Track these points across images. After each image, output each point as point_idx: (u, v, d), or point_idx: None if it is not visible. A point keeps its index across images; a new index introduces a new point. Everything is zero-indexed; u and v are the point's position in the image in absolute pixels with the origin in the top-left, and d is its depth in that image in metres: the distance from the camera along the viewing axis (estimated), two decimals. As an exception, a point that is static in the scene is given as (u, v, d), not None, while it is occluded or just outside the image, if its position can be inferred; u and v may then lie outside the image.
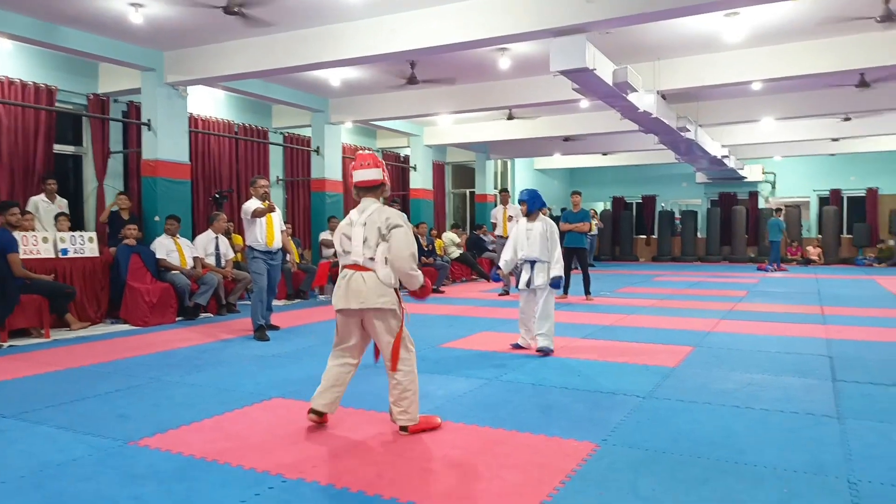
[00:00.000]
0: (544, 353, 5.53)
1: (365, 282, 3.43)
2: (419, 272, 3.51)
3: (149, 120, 8.47)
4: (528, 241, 5.73)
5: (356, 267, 3.48)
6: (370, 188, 3.58)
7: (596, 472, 2.93)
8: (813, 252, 18.20)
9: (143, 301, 7.40)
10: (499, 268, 5.91)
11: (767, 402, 4.05)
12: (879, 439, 3.35)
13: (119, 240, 7.94)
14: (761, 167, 19.51)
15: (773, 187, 20.13)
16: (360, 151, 3.71)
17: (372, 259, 3.45)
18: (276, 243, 6.70)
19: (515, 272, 5.88)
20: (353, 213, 3.61)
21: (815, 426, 3.58)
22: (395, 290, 3.49)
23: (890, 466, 2.97)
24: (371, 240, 3.45)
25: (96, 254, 7.66)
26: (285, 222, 10.59)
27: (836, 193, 19.07)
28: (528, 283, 5.68)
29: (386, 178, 3.62)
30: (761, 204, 20.03)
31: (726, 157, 15.22)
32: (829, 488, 2.74)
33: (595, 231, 16.93)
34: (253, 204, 6.55)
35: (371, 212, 3.50)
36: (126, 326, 7.35)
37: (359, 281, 3.44)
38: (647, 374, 4.84)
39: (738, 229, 19.54)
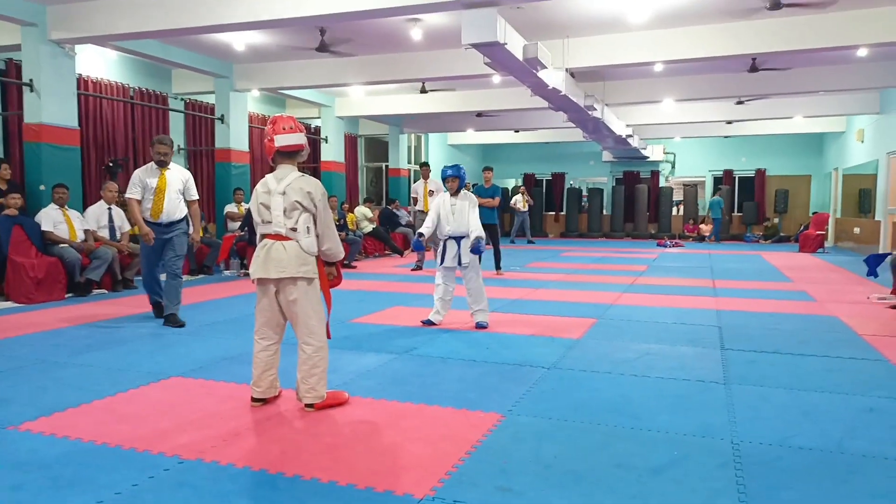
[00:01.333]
0: (483, 328, 5.61)
1: (286, 250, 3.34)
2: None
3: (31, 80, 7.77)
4: (453, 216, 5.70)
5: (277, 237, 3.37)
6: (290, 154, 3.46)
7: (500, 442, 2.99)
8: (705, 229, 19.31)
9: (28, 276, 6.86)
10: (421, 234, 5.81)
11: (662, 371, 4.27)
12: (760, 402, 3.61)
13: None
14: (662, 147, 20.44)
15: (673, 167, 21.15)
16: (278, 115, 3.55)
17: (294, 229, 3.36)
18: (165, 215, 5.72)
19: (435, 247, 5.85)
20: (269, 179, 3.45)
21: (704, 392, 3.80)
22: (317, 261, 3.44)
23: (769, 427, 3.21)
24: (292, 209, 3.35)
25: (-28, 225, 7.01)
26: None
27: (728, 173, 20.28)
28: (459, 261, 5.68)
29: (306, 143, 3.50)
30: (662, 183, 21.00)
31: (630, 136, 15.81)
32: (715, 449, 2.92)
33: (525, 208, 17.27)
34: (144, 172, 5.69)
35: (290, 180, 3.38)
36: (8, 304, 6.81)
37: (279, 250, 3.34)
38: (552, 345, 4.98)
39: (640, 207, 20.43)
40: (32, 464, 2.71)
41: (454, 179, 5.81)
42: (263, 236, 3.44)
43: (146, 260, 5.96)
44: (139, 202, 5.69)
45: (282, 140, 3.41)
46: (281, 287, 3.40)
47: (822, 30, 8.16)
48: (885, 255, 7.75)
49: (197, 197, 6.06)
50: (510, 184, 22.26)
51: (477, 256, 5.69)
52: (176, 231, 5.82)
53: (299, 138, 3.45)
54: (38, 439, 3.00)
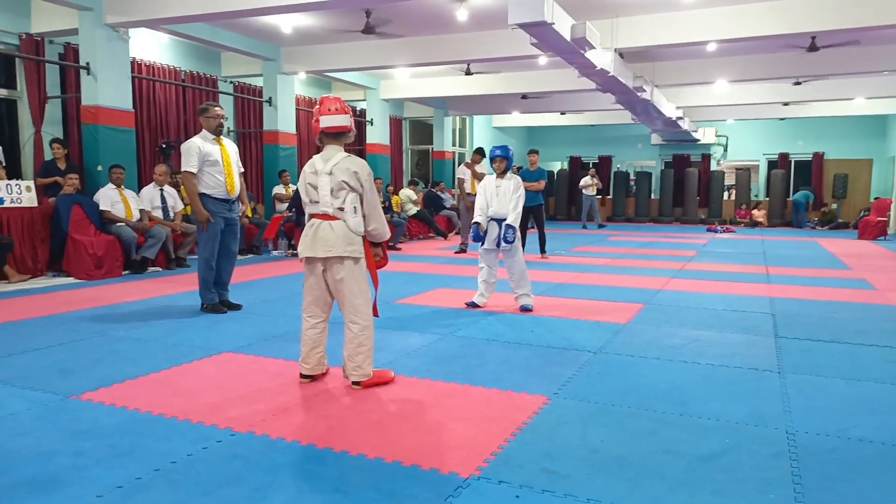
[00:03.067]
0: (528, 311, 5.58)
1: (333, 230, 3.37)
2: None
3: (87, 63, 8.01)
4: (497, 197, 5.67)
5: (324, 216, 3.41)
6: (336, 135, 3.47)
7: (546, 425, 2.97)
8: (758, 214, 18.74)
9: (87, 254, 7.12)
10: (477, 223, 5.68)
11: (712, 358, 4.17)
12: (816, 392, 3.49)
13: (57, 189, 7.58)
14: (714, 130, 19.85)
15: (725, 150, 20.53)
16: (325, 96, 3.57)
17: (341, 209, 3.39)
18: (237, 189, 5.41)
19: (474, 232, 5.79)
20: (316, 160, 3.48)
21: (756, 380, 3.70)
22: (363, 240, 3.48)
23: (825, 417, 3.10)
24: (339, 189, 3.38)
25: (35, 204, 7.31)
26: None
27: (784, 157, 19.58)
28: (498, 243, 5.65)
29: (353, 125, 3.50)
30: (713, 166, 20.43)
31: (681, 118, 15.39)
32: (769, 439, 2.84)
33: (594, 192, 16.92)
34: (202, 143, 5.20)
35: (337, 161, 3.41)
36: (69, 280, 7.09)
37: (327, 229, 3.38)
38: (598, 330, 4.92)
39: (690, 191, 19.93)
40: (93, 432, 2.83)
41: (502, 160, 5.75)
42: (311, 216, 3.48)
43: (211, 248, 5.32)
44: (195, 176, 5.21)
45: (327, 121, 3.43)
46: (328, 266, 3.43)
47: (886, 6, 7.74)
48: None
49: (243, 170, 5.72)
50: (556, 167, 22.01)
51: (518, 239, 5.62)
52: (237, 210, 5.51)
53: (344, 119, 3.45)
54: (98, 409, 3.12)
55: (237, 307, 5.58)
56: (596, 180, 17.01)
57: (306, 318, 3.57)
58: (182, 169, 5.23)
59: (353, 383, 3.48)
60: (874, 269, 8.79)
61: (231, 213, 5.43)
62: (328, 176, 3.39)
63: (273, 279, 7.42)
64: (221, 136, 5.38)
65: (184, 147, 5.24)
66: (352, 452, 2.64)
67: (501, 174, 5.75)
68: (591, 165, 21.87)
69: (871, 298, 6.47)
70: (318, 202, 3.43)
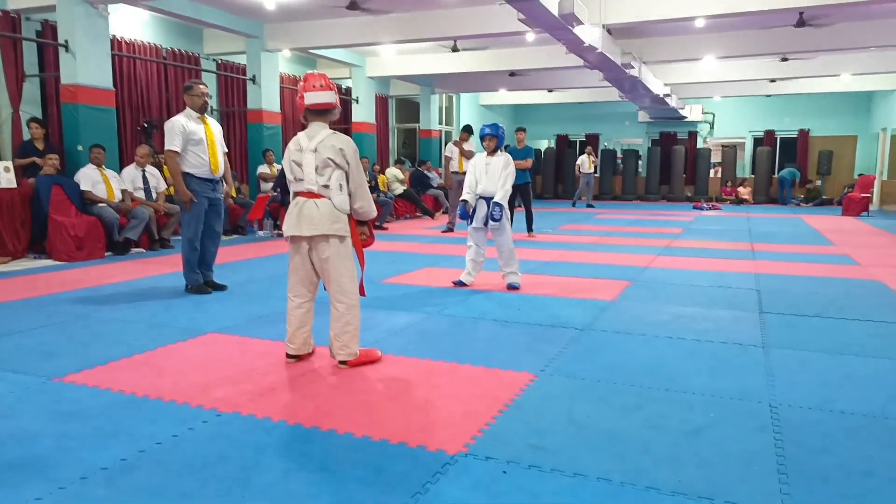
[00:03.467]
0: (515, 289, 5.59)
1: (318, 208, 3.34)
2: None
3: (66, 41, 7.82)
4: (486, 175, 5.63)
5: (309, 194, 3.37)
6: (321, 112, 3.41)
7: (533, 401, 2.98)
8: (744, 191, 18.82)
9: (69, 235, 7.03)
10: (465, 202, 5.67)
11: (698, 333, 4.19)
12: (799, 366, 3.53)
13: (36, 170, 7.45)
14: (701, 107, 19.84)
15: (712, 127, 20.55)
16: (310, 72, 3.50)
17: (326, 186, 3.35)
18: (220, 168, 5.31)
19: (461, 210, 5.76)
20: (300, 137, 3.43)
21: (741, 355, 3.73)
22: (349, 218, 3.44)
23: (808, 391, 3.14)
24: (324, 167, 3.33)
25: (14, 185, 7.18)
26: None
27: (770, 134, 19.63)
28: (486, 221, 5.62)
29: (338, 102, 3.46)
30: (700, 144, 20.45)
31: (668, 95, 15.37)
32: (753, 412, 2.87)
33: (592, 169, 16.64)
34: (186, 121, 5.08)
35: (322, 138, 3.36)
36: (51, 262, 7.00)
37: (312, 208, 3.34)
38: (585, 307, 4.94)
39: (677, 168, 19.96)
40: (77, 414, 2.80)
41: (491, 139, 5.71)
42: (296, 194, 3.44)
43: (195, 228, 5.24)
44: (179, 155, 5.08)
45: (312, 98, 3.38)
46: (313, 244, 3.40)
47: (876, -20, 7.73)
48: None
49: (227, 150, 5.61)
50: (543, 145, 21.94)
51: (506, 217, 5.60)
52: (221, 190, 5.43)
53: (330, 96, 3.40)
54: (81, 391, 3.09)
55: (222, 287, 5.54)
56: (593, 157, 16.83)
57: (292, 297, 3.55)
58: (165, 148, 5.10)
59: (340, 363, 3.46)
60: (857, 244, 8.88)
61: (215, 193, 5.35)
62: (313, 153, 3.34)
63: (258, 259, 7.37)
64: (206, 115, 5.30)
65: (167, 125, 5.11)
66: (339, 431, 2.63)
67: (491, 152, 5.71)
68: (578, 143, 21.83)
69: (855, 273, 6.54)
70: (302, 180, 3.39)
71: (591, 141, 21.47)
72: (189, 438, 2.56)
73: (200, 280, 5.44)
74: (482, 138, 5.76)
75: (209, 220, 5.40)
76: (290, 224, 3.41)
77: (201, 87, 5.23)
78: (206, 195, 5.27)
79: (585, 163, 16.46)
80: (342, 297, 3.44)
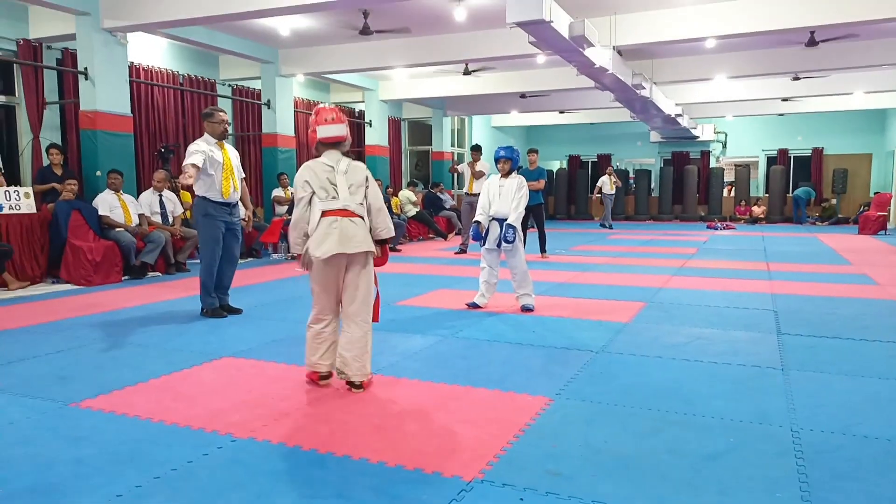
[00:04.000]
0: (529, 310, 5.57)
1: (357, 226, 3.42)
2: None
3: (85, 68, 8.00)
4: (499, 197, 5.64)
5: (345, 213, 3.41)
6: (334, 143, 3.51)
7: (550, 426, 2.95)
8: (758, 211, 18.71)
9: (86, 260, 7.11)
10: (477, 222, 5.66)
11: (715, 355, 4.14)
12: (820, 389, 3.47)
13: (55, 196, 7.56)
14: (713, 126, 19.82)
15: (724, 147, 20.50)
16: (321, 106, 3.58)
17: (361, 205, 3.47)
18: (235, 193, 5.35)
19: (474, 231, 5.75)
20: (325, 160, 3.48)
21: (760, 377, 3.68)
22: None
23: (829, 414, 3.08)
24: (357, 187, 3.47)
25: (33, 210, 7.29)
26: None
27: (783, 153, 19.54)
28: (499, 243, 5.62)
29: (348, 133, 3.56)
30: (712, 163, 20.40)
31: (680, 115, 15.37)
32: (773, 436, 2.82)
33: (613, 191, 16.40)
34: (206, 146, 5.13)
35: (346, 162, 3.50)
36: (68, 286, 7.07)
37: (351, 226, 3.40)
38: (600, 329, 4.90)
39: (689, 188, 19.90)
40: (92, 439, 2.80)
41: (507, 161, 5.72)
42: (325, 213, 3.40)
43: (212, 252, 5.29)
44: (198, 170, 5.02)
45: (324, 132, 3.47)
46: (350, 262, 3.45)
47: (885, -1, 7.73)
48: None
49: (244, 175, 5.71)
50: (555, 166, 21.98)
51: (519, 239, 5.59)
52: (238, 214, 5.49)
53: (340, 129, 3.49)
54: (97, 416, 3.09)
55: (237, 311, 5.56)
56: (614, 178, 16.50)
57: (320, 318, 3.53)
58: (186, 162, 5.02)
59: (356, 386, 3.45)
60: (875, 263, 8.77)
61: (232, 218, 5.40)
62: (345, 174, 3.45)
63: (273, 282, 7.40)
64: (224, 142, 5.36)
65: (190, 147, 5.15)
66: (354, 457, 2.61)
67: (506, 174, 5.72)
68: (590, 164, 21.83)
69: (873, 293, 6.45)
70: (336, 198, 3.41)
71: (604, 161, 21.47)
72: (204, 465, 2.55)
73: (216, 304, 5.48)
74: (497, 160, 5.78)
75: (227, 243, 5.43)
76: (332, 243, 3.33)
77: (221, 114, 5.31)
78: (222, 219, 5.32)
79: (607, 183, 16.21)
80: (367, 317, 3.50)
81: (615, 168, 21.17)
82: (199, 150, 5.08)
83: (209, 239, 5.29)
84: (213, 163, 5.16)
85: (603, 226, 16.67)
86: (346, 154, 3.55)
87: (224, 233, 5.36)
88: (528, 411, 3.12)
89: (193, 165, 4.97)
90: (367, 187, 3.51)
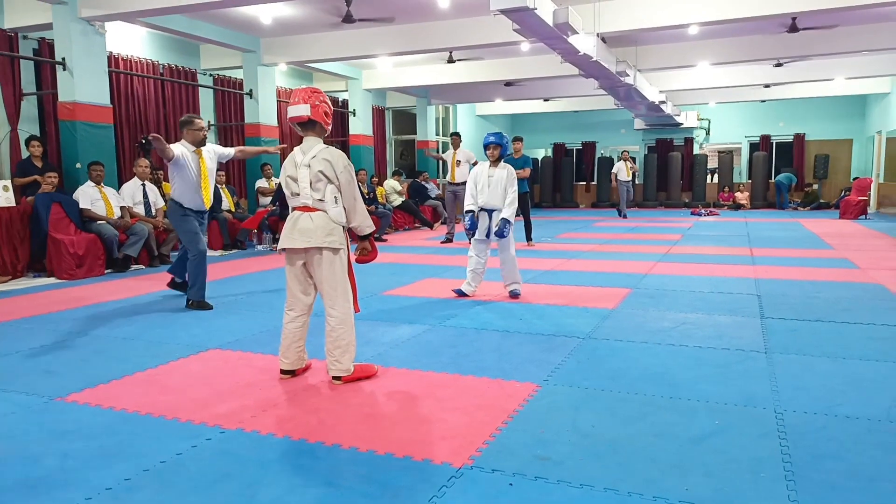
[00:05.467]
0: (516, 296, 5.62)
1: (313, 220, 3.34)
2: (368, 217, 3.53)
3: (63, 59, 7.86)
4: (489, 188, 5.54)
5: (305, 208, 3.38)
6: (308, 126, 3.42)
7: (537, 412, 2.97)
8: (741, 197, 18.87)
9: (68, 253, 7.02)
10: (470, 212, 5.56)
11: (700, 340, 4.19)
12: (803, 371, 3.52)
13: (35, 189, 7.45)
14: (697, 113, 19.91)
15: (708, 133, 20.62)
16: (298, 87, 3.53)
17: (321, 200, 3.37)
18: (210, 203, 5.46)
19: (471, 220, 5.62)
20: (296, 152, 3.45)
21: (744, 361, 3.73)
22: (345, 231, 3.46)
23: (812, 396, 3.13)
24: (317, 181, 3.35)
25: (12, 203, 7.17)
26: (217, 171, 10.21)
27: (765, 139, 19.70)
28: (488, 234, 5.58)
29: (316, 114, 3.38)
30: (696, 150, 20.52)
31: (663, 102, 15.41)
32: (758, 419, 2.86)
33: (630, 177, 15.33)
34: (182, 151, 5.17)
35: (315, 152, 3.37)
36: (51, 280, 6.99)
37: (306, 220, 3.35)
38: (587, 316, 4.93)
39: (673, 175, 20.00)
40: (79, 433, 2.79)
41: (496, 147, 5.62)
42: (293, 209, 3.45)
43: (199, 242, 5.34)
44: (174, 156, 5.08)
45: (290, 111, 3.42)
46: (308, 257, 3.40)
47: (867, -15, 7.78)
48: None
49: (232, 153, 5.71)
50: (540, 153, 22.00)
51: (509, 231, 5.56)
52: (205, 222, 5.57)
53: (302, 109, 3.35)
54: (84, 410, 3.07)
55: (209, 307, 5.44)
56: (631, 164, 15.33)
57: (287, 311, 3.54)
58: (168, 146, 5.03)
59: (334, 378, 3.44)
60: (856, 248, 8.89)
61: (200, 226, 5.41)
62: (307, 168, 3.36)
63: (258, 274, 7.36)
64: (202, 148, 5.33)
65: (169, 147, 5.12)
66: (343, 446, 2.62)
67: (496, 162, 5.66)
68: (574, 151, 21.87)
69: (855, 277, 6.54)
70: (298, 194, 3.39)
71: (588, 149, 21.52)
72: (193, 456, 2.55)
73: (203, 295, 5.43)
74: (486, 147, 5.68)
75: None
76: (285, 237, 3.42)
77: (199, 121, 5.30)
78: (196, 219, 5.36)
79: (623, 170, 15.21)
80: (333, 311, 3.41)
81: (600, 155, 21.25)
82: (177, 150, 5.09)
83: (190, 232, 5.30)
84: (185, 169, 5.15)
85: (624, 216, 15.36)
86: (330, 141, 3.50)
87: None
88: (516, 398, 3.14)
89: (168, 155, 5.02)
90: (336, 179, 3.36)
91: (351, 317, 3.47)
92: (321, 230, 3.33)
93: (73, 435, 2.77)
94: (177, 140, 5.39)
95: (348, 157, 3.56)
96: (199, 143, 5.28)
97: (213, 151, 5.52)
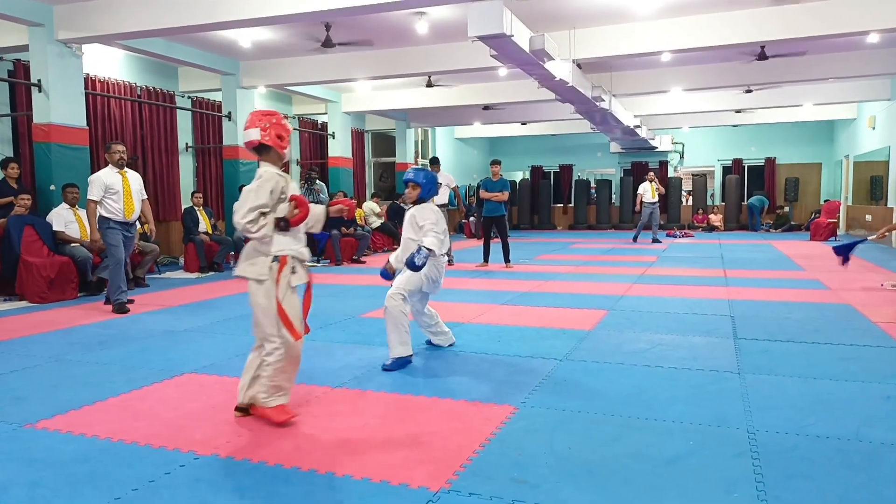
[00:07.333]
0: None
1: (244, 249, 3.19)
2: (258, 227, 3.06)
3: (39, 80, 7.80)
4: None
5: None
6: (261, 150, 3.20)
7: (514, 434, 2.98)
8: (715, 219, 19.19)
9: (40, 276, 6.91)
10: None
11: (675, 361, 4.24)
12: (775, 392, 3.58)
13: (8, 210, 7.34)
14: (671, 137, 20.29)
15: (682, 157, 21.00)
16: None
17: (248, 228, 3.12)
18: (135, 214, 6.43)
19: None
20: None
21: (718, 382, 3.78)
22: (278, 264, 3.13)
23: (784, 416, 3.19)
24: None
25: (-16, 226, 7.06)
26: (195, 192, 10.17)
27: (738, 163, 20.12)
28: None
29: (269, 138, 3.15)
30: (670, 173, 20.87)
31: (638, 127, 15.71)
32: (731, 438, 2.91)
33: (656, 198, 14.27)
34: (106, 175, 6.25)
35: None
36: (22, 303, 6.86)
37: (244, 248, 3.22)
38: (563, 337, 4.97)
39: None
40: (49, 461, 2.73)
41: (415, 187, 4.48)
42: None
43: (119, 253, 6.29)
44: (98, 204, 6.17)
45: (242, 136, 3.28)
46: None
47: (831, 16, 8.05)
48: (855, 243, 7.74)
49: (146, 196, 6.70)
50: (517, 176, 22.20)
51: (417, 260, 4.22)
52: (134, 231, 6.57)
53: (253, 133, 3.15)
54: (54, 437, 3.01)
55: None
56: (657, 185, 14.29)
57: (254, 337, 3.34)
58: (87, 197, 6.25)
59: (237, 408, 3.26)
60: (826, 269, 9.08)
61: (128, 234, 6.42)
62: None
63: (234, 296, 7.29)
64: (125, 169, 6.37)
65: (91, 179, 6.28)
66: (320, 471, 2.60)
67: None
68: (552, 174, 22.11)
69: (825, 298, 6.68)
70: None
71: (565, 171, 21.77)
72: (167, 484, 2.51)
73: (125, 299, 6.31)
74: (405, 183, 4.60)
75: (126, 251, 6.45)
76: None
77: (118, 146, 6.41)
78: (122, 233, 6.32)
79: (648, 191, 14.21)
80: (263, 341, 3.22)
81: (577, 178, 21.48)
82: (97, 185, 6.17)
83: (112, 244, 6.25)
84: (111, 191, 6.20)
85: (637, 240, 14.72)
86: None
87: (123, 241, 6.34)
88: (493, 420, 3.15)
89: (92, 201, 6.20)
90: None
91: (280, 347, 3.17)
92: (244, 259, 3.18)
93: (43, 463, 2.72)
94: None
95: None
96: (117, 163, 6.34)
97: (137, 177, 6.59)
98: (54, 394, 3.69)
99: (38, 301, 6.86)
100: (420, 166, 5.12)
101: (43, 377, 4.04)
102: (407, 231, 4.47)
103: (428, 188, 4.47)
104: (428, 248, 4.15)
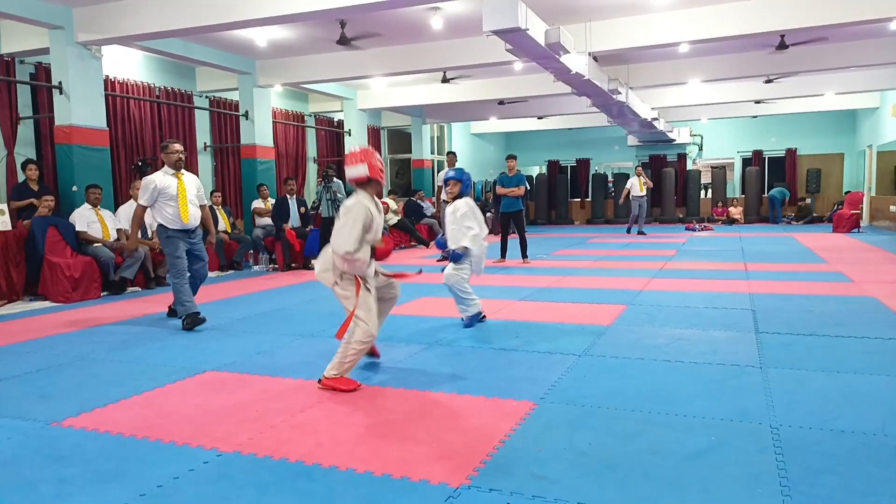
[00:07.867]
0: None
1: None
2: (356, 257, 3.64)
3: (60, 83, 7.92)
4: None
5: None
6: (360, 184, 3.79)
7: (534, 430, 2.98)
8: (735, 212, 18.98)
9: (64, 276, 7.02)
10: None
11: (695, 356, 4.21)
12: (798, 386, 3.54)
13: (31, 212, 7.47)
14: (689, 129, 20.09)
15: (700, 149, 20.78)
16: (351, 149, 3.91)
17: None
18: (193, 220, 5.60)
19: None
20: (369, 202, 3.80)
21: (739, 376, 3.74)
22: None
23: (807, 411, 3.15)
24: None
25: (8, 227, 7.19)
26: (213, 191, 10.26)
27: (758, 154, 19.86)
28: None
29: (372, 173, 3.76)
30: (689, 165, 20.67)
31: (656, 119, 15.56)
32: (754, 434, 2.88)
33: (644, 192, 14.75)
34: (161, 178, 5.47)
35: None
36: (46, 303, 6.98)
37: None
38: (582, 333, 4.95)
39: (667, 191, 20.11)
40: (76, 458, 2.78)
41: (456, 183, 5.58)
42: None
43: (180, 263, 5.54)
44: (144, 209, 5.55)
45: (348, 172, 3.81)
46: None
47: (853, 2, 7.90)
48: None
49: (206, 202, 6.04)
50: (534, 171, 22.12)
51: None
52: (198, 237, 5.74)
53: (362, 169, 3.75)
54: (80, 434, 3.07)
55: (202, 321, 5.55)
56: (644, 178, 14.84)
57: None
58: (137, 202, 5.62)
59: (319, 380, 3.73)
60: (850, 261, 8.94)
61: (191, 241, 5.66)
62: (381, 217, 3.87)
63: (255, 294, 7.36)
64: (181, 171, 5.64)
65: (143, 182, 5.55)
66: (340, 467, 2.62)
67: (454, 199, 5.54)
68: (569, 168, 21.99)
69: (848, 291, 6.58)
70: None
71: (582, 165, 21.64)
72: (191, 480, 2.54)
73: (194, 308, 5.51)
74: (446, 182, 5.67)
75: (191, 263, 5.67)
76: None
77: (175, 146, 5.62)
78: (185, 241, 5.60)
79: (636, 185, 14.72)
80: (343, 335, 3.76)
81: (594, 172, 21.35)
82: (148, 189, 5.45)
83: (172, 255, 5.55)
84: (165, 196, 5.48)
85: (630, 231, 15.40)
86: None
87: (187, 250, 5.62)
88: (513, 416, 3.15)
89: (140, 206, 5.55)
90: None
91: (356, 340, 3.70)
92: (320, 264, 3.81)
93: (69, 460, 2.76)
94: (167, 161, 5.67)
95: (343, 177, 3.85)
96: (175, 165, 5.57)
97: (195, 181, 5.76)
98: (80, 392, 3.75)
99: (62, 301, 6.98)
100: (459, 167, 6.39)
101: (68, 376, 4.11)
102: (450, 222, 5.42)
103: (467, 185, 5.57)
104: (464, 247, 5.26)
